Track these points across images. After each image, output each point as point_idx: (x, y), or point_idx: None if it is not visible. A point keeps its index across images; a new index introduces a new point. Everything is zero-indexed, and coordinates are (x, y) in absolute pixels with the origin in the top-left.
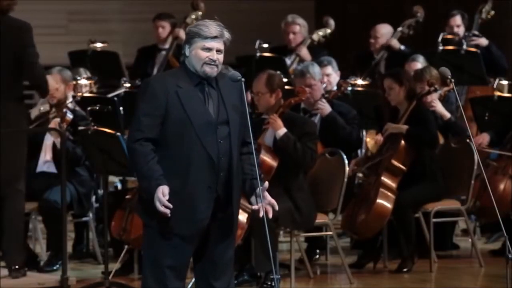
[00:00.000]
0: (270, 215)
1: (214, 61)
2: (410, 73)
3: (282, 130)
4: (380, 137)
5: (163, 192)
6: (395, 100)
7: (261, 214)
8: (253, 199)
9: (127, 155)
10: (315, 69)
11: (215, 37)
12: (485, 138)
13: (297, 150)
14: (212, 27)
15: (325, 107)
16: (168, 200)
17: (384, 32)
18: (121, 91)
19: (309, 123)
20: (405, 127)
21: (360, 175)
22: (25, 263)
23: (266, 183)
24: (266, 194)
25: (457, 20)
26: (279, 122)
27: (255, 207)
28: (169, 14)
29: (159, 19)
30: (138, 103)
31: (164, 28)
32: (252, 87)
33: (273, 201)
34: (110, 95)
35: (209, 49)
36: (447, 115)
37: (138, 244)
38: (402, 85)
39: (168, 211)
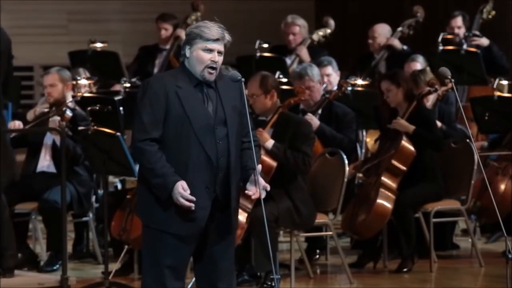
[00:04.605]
0: (263, 196)
1: (216, 62)
2: (407, 74)
3: (270, 142)
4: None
5: (183, 187)
6: (394, 101)
7: (255, 196)
8: (248, 185)
9: (135, 155)
10: (314, 71)
11: (217, 39)
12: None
13: (288, 159)
14: (213, 29)
15: (313, 122)
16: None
17: (382, 31)
18: (121, 95)
19: (304, 124)
20: (412, 127)
21: (360, 175)
22: None
23: (260, 166)
24: (260, 178)
25: (458, 21)
26: (265, 135)
27: (249, 192)
28: (171, 15)
29: (162, 21)
30: (138, 104)
31: (167, 30)
32: (247, 90)
33: (267, 185)
34: (116, 98)
35: (210, 51)
36: (437, 123)
37: (138, 244)
38: (400, 86)
39: (192, 205)
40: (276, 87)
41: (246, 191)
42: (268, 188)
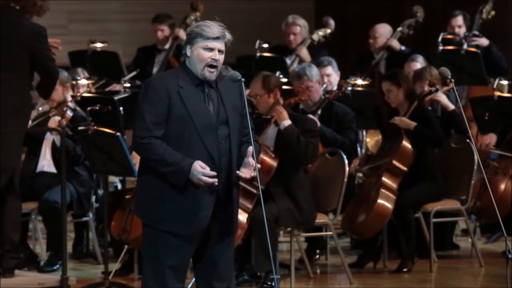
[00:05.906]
0: (254, 174)
1: (216, 61)
2: (408, 74)
3: (287, 121)
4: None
5: (201, 166)
6: (395, 102)
7: (247, 176)
8: (241, 168)
9: (138, 153)
10: (313, 71)
11: (217, 38)
12: (492, 138)
13: (300, 142)
14: (214, 27)
15: None
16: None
17: (383, 31)
18: (123, 94)
19: (310, 121)
20: (414, 123)
21: (360, 175)
22: None
23: (251, 148)
24: (251, 160)
25: (459, 20)
26: (285, 113)
27: (241, 173)
28: (167, 15)
29: (157, 22)
30: (140, 103)
31: (163, 31)
32: (250, 91)
33: (257, 165)
34: (116, 97)
35: (211, 49)
36: (451, 106)
37: (138, 244)
38: (400, 86)
39: (216, 180)
40: (279, 85)
41: (237, 171)
42: (259, 166)
